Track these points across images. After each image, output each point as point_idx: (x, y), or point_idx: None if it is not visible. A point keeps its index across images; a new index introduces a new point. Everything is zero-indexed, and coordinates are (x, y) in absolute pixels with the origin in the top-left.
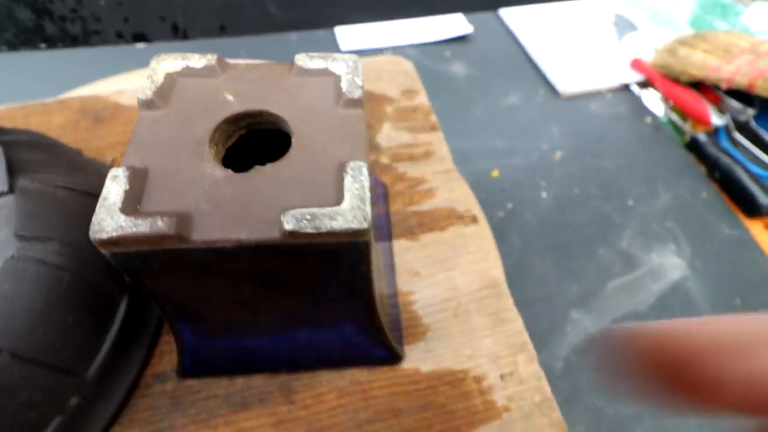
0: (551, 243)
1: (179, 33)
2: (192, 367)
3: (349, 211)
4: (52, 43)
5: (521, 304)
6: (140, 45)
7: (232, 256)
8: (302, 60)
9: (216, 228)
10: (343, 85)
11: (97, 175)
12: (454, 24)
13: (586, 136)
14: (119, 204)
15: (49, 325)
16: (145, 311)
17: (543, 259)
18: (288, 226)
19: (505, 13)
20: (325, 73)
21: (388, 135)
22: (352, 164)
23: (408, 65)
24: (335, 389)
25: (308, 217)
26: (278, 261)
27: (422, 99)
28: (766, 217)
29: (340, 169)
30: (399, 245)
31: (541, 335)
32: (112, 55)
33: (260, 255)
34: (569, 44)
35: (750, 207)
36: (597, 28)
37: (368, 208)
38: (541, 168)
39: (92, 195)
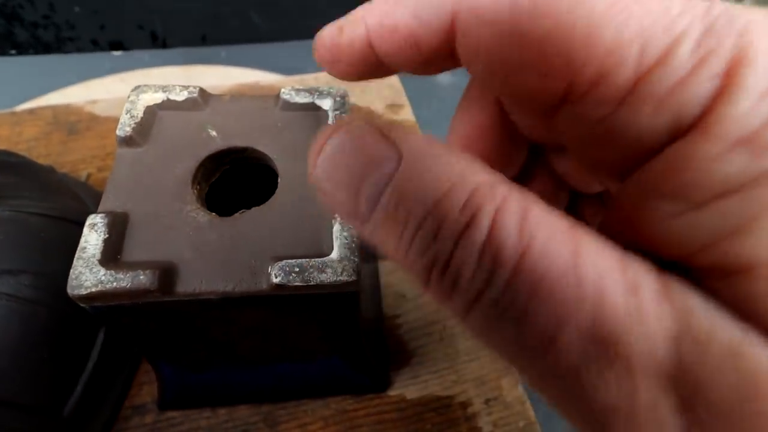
0: None
1: (158, 41)
2: (173, 399)
3: (338, 263)
4: (23, 49)
5: None
6: (117, 53)
7: (218, 307)
8: (288, 93)
9: (200, 279)
10: (330, 122)
11: (72, 195)
12: None
13: None
14: (98, 255)
15: (23, 363)
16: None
17: None
18: (276, 279)
19: None
20: (312, 107)
21: None
22: None
23: (393, 77)
24: (320, 419)
25: (297, 269)
26: (265, 309)
27: (407, 114)
28: None
29: (328, 214)
30: (385, 266)
31: None
32: (87, 61)
33: (246, 305)
34: None
35: None
36: None
37: (357, 259)
38: None
39: (67, 220)
